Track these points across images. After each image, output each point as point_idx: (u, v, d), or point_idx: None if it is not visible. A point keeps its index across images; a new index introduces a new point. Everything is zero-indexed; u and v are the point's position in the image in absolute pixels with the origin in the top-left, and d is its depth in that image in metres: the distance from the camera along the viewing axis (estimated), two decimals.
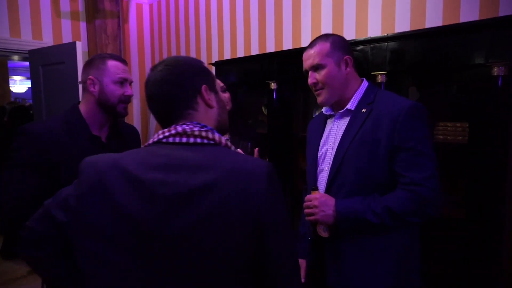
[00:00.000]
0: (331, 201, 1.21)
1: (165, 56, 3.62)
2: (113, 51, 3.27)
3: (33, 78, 3.12)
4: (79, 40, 3.35)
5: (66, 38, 3.28)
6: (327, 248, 1.28)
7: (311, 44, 1.32)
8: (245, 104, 2.61)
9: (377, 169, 1.19)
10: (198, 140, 0.83)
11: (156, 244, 0.74)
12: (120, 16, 3.53)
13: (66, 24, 3.29)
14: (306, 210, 1.26)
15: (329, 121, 1.42)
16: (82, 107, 1.41)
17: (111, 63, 1.38)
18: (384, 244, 1.20)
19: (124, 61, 1.43)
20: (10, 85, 7.33)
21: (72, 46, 2.76)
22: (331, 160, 1.30)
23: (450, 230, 1.61)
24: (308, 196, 1.27)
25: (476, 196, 1.52)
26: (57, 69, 2.91)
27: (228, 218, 0.74)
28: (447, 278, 1.64)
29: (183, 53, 3.40)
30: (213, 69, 2.66)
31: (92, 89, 1.36)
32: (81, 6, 3.35)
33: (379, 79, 1.70)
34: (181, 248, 0.74)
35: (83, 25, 3.38)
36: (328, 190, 1.28)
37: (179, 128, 0.84)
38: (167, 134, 0.85)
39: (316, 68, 1.29)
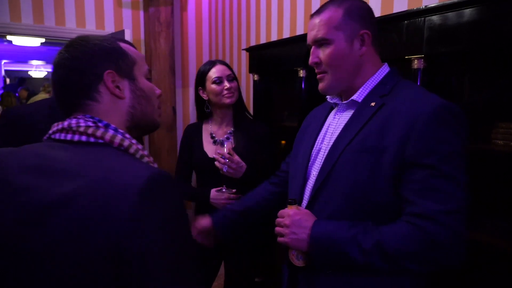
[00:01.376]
0: (307, 221, 0.94)
1: (220, 42, 3.55)
2: (166, 38, 3.31)
3: None
4: (138, 29, 3.47)
5: (127, 27, 3.42)
6: (301, 281, 1.01)
7: (319, 10, 1.01)
8: (279, 94, 2.38)
9: (377, 188, 0.88)
10: (83, 138, 0.69)
11: (14, 263, 0.63)
12: (177, 3, 3.55)
13: (126, 13, 3.43)
14: (276, 229, 1.01)
15: (332, 112, 1.13)
16: None
17: None
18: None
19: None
20: None
21: (121, 34, 2.85)
22: (320, 166, 1.02)
23: (499, 265, 1.20)
24: (280, 211, 1.01)
25: None
26: None
27: (82, 243, 0.58)
28: None
29: (244, 37, 3.27)
30: (245, 56, 2.48)
31: None
32: None
33: (415, 64, 1.33)
34: (35, 273, 0.61)
35: (142, 14, 3.48)
36: (310, 206, 1.01)
37: (65, 123, 0.72)
38: (54, 129, 0.73)
39: (320, 43, 1.00)
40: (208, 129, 1.69)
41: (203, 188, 1.63)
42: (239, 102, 1.67)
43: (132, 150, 0.72)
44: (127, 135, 0.74)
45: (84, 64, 0.73)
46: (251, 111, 2.67)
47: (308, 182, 1.07)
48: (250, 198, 1.35)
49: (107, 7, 3.34)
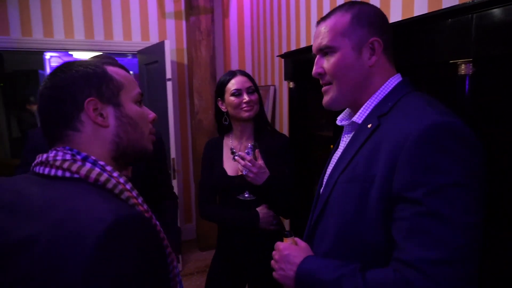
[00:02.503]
0: (296, 257, 0.84)
1: (262, 48, 3.49)
2: (207, 47, 3.32)
3: (140, 76, 3.46)
4: (181, 38, 3.53)
5: (170, 37, 3.49)
6: None
7: (325, 16, 0.92)
8: (316, 101, 2.23)
9: (366, 225, 0.76)
10: (59, 173, 0.66)
11: None
12: (216, 11, 3.55)
13: (170, 24, 3.51)
14: (271, 262, 0.93)
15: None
16: None
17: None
18: None
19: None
20: None
21: (161, 45, 2.90)
22: (319, 195, 0.93)
23: None
24: (276, 244, 0.93)
25: None
26: (154, 68, 3.12)
27: None
28: None
29: (284, 42, 3.17)
30: (281, 62, 2.38)
31: None
32: (183, 5, 3.50)
33: (462, 70, 1.13)
34: None
35: (184, 24, 3.53)
36: (309, 241, 0.92)
37: (45, 156, 0.69)
38: (36, 161, 0.70)
39: (325, 52, 0.89)
40: (228, 144, 1.60)
41: (245, 211, 1.49)
42: (260, 115, 1.57)
43: (110, 185, 0.66)
44: (108, 168, 0.69)
45: (63, 92, 0.69)
46: (287, 120, 2.55)
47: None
48: None
49: (152, 19, 3.44)
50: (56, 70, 0.72)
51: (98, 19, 3.26)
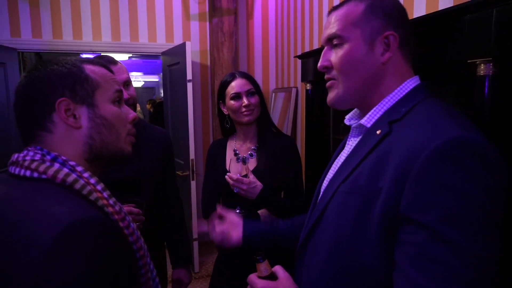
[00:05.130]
0: None
1: (285, 49, 3.43)
2: (229, 48, 3.31)
3: (163, 77, 3.51)
4: (205, 40, 3.54)
5: (194, 38, 3.52)
6: None
7: (337, 6, 0.83)
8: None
9: (364, 245, 0.67)
10: (27, 173, 0.65)
11: None
12: (240, 13, 3.53)
13: (194, 25, 3.53)
14: None
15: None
16: None
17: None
18: None
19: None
20: None
21: (182, 46, 2.92)
22: (316, 202, 0.85)
23: None
24: (249, 278, 0.82)
25: None
26: (176, 69, 3.15)
27: None
28: None
29: (307, 43, 3.11)
30: (298, 63, 2.31)
31: None
32: (207, 7, 3.52)
33: (481, 70, 1.02)
34: None
35: (208, 25, 3.54)
36: (302, 248, 0.84)
37: (15, 156, 0.68)
38: (10, 161, 0.70)
39: (334, 43, 0.80)
40: (232, 145, 1.58)
41: (246, 214, 1.45)
42: (263, 117, 1.53)
43: (77, 186, 0.64)
44: (79, 168, 0.67)
45: (36, 91, 0.68)
46: (303, 123, 2.47)
47: None
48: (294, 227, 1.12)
49: (176, 21, 3.48)
50: (32, 68, 0.71)
51: (125, 21, 3.34)
